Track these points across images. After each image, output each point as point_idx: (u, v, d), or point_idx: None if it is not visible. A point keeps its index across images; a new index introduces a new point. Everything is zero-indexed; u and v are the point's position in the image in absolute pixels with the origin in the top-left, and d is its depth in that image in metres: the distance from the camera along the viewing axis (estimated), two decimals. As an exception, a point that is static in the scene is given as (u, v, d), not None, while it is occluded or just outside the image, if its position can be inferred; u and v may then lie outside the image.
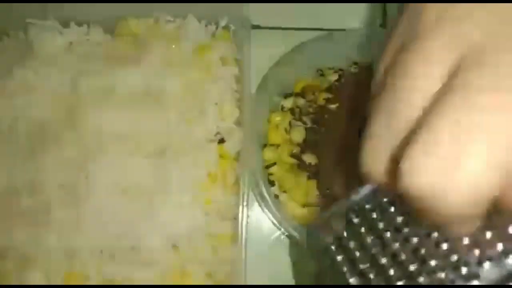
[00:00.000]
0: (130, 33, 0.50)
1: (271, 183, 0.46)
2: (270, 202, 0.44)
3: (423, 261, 0.27)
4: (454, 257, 0.26)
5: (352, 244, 0.29)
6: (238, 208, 0.43)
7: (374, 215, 0.29)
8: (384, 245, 0.28)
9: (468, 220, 0.23)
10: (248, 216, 0.43)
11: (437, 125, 0.20)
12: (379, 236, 0.28)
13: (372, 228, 0.29)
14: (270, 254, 0.49)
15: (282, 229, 0.45)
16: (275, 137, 0.47)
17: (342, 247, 0.30)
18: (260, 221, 0.48)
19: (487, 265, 0.26)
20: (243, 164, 0.44)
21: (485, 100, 0.19)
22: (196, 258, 0.43)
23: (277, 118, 0.49)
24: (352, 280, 0.29)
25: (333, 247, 0.30)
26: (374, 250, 0.28)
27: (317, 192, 0.45)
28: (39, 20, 0.50)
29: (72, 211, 0.43)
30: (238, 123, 0.46)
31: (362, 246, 0.29)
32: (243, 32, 0.47)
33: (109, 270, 0.43)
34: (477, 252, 0.26)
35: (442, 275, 0.26)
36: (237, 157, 0.46)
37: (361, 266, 0.29)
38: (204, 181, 0.44)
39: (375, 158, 0.23)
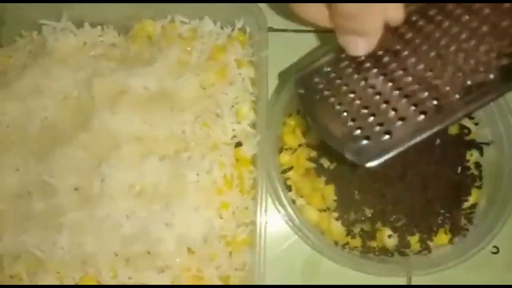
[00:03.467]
0: (145, 34, 0.50)
1: (288, 188, 0.45)
2: (288, 207, 0.43)
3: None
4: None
5: (337, 82, 0.38)
6: (254, 212, 0.43)
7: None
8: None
9: None
10: (266, 222, 0.42)
11: None
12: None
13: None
14: (287, 259, 0.48)
15: (299, 234, 0.44)
16: (292, 140, 0.47)
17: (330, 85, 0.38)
18: (277, 225, 0.47)
19: None
20: (260, 168, 0.44)
21: None
22: (212, 262, 0.43)
23: (292, 122, 0.48)
24: (337, 106, 0.36)
25: (321, 85, 0.38)
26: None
27: (334, 197, 0.45)
28: (53, 21, 0.49)
29: (86, 214, 0.42)
30: (254, 126, 0.46)
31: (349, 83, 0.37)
32: (260, 34, 0.47)
33: (124, 274, 0.42)
34: None
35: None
36: (254, 160, 0.45)
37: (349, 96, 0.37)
38: (220, 185, 0.44)
39: None
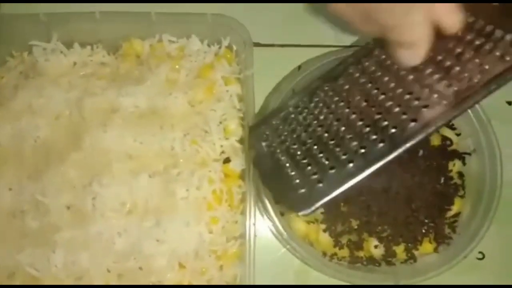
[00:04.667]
0: (134, 53, 0.51)
1: (277, 201, 0.46)
2: (276, 221, 0.44)
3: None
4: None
5: (284, 134, 0.41)
6: (243, 226, 0.44)
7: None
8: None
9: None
10: (255, 235, 0.43)
11: None
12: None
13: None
14: (276, 270, 0.49)
15: (288, 247, 0.45)
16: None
17: (277, 136, 0.42)
18: (266, 238, 0.48)
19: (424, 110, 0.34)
20: (248, 182, 0.45)
21: None
22: (203, 276, 0.44)
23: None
24: (282, 157, 0.40)
25: (269, 137, 0.42)
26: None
27: (321, 209, 0.46)
28: (43, 42, 0.50)
29: (79, 232, 0.43)
30: (242, 141, 0.47)
31: (293, 134, 0.41)
32: (245, 51, 0.48)
33: (116, 290, 0.43)
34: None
35: (385, 123, 0.36)
36: (242, 175, 0.46)
37: (292, 147, 0.40)
38: (209, 200, 0.45)
39: None
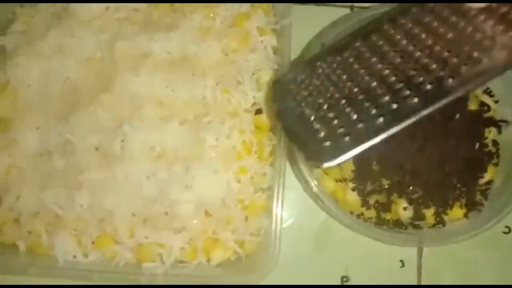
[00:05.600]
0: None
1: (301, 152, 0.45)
2: (305, 174, 0.44)
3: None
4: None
5: (311, 88, 0.40)
6: (272, 179, 0.43)
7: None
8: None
9: None
10: (283, 188, 0.42)
11: None
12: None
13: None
14: (301, 225, 0.50)
15: (318, 201, 0.44)
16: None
17: (304, 90, 0.40)
18: (294, 192, 0.48)
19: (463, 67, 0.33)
20: (279, 136, 0.44)
21: None
22: (228, 225, 0.43)
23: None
24: (308, 111, 0.38)
25: (294, 91, 0.40)
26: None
27: (352, 167, 0.45)
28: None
29: (106, 173, 0.43)
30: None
31: (321, 88, 0.39)
32: (283, 2, 0.47)
33: (141, 234, 0.43)
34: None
35: (420, 79, 0.34)
36: (274, 128, 0.45)
37: (320, 101, 0.38)
38: (239, 150, 0.44)
39: None
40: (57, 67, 0.47)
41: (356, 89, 0.37)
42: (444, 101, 0.33)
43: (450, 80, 0.33)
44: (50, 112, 0.46)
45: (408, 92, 0.34)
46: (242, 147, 0.44)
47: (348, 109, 0.36)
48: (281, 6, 0.47)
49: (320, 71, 0.40)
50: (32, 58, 0.47)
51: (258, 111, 0.45)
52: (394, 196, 0.45)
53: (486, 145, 0.47)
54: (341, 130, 0.35)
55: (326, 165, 0.34)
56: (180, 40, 0.47)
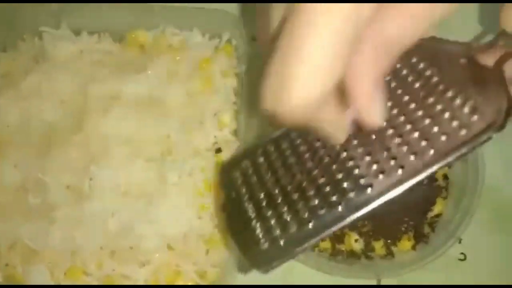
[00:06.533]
0: (138, 43, 0.53)
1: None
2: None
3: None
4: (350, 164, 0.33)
5: (254, 179, 0.38)
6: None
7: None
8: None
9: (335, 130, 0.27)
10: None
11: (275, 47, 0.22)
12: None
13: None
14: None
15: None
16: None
17: (246, 182, 0.38)
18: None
19: (380, 176, 0.31)
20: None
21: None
22: (189, 258, 0.46)
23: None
24: (248, 206, 0.36)
25: (239, 181, 0.38)
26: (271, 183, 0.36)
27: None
28: (52, 29, 0.53)
29: (76, 210, 0.46)
30: (235, 133, 0.49)
31: (262, 180, 0.37)
32: (243, 46, 0.50)
33: (108, 266, 0.46)
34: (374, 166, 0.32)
35: (345, 184, 0.32)
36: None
37: (259, 195, 0.36)
38: (200, 188, 0.47)
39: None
40: (35, 109, 0.50)
41: (289, 187, 0.35)
42: (368, 209, 0.31)
43: (369, 190, 0.31)
44: (27, 151, 0.49)
45: (334, 198, 0.32)
46: (203, 184, 0.47)
47: (283, 209, 0.35)
48: (241, 49, 0.51)
49: (261, 160, 0.39)
50: (12, 100, 0.51)
51: (218, 150, 0.48)
52: (346, 229, 0.48)
53: (436, 180, 0.50)
54: (277, 232, 0.34)
55: (260, 272, 0.33)
56: (148, 82, 0.50)
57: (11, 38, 0.54)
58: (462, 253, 0.53)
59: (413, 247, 0.48)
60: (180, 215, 0.46)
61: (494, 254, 0.53)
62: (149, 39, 0.53)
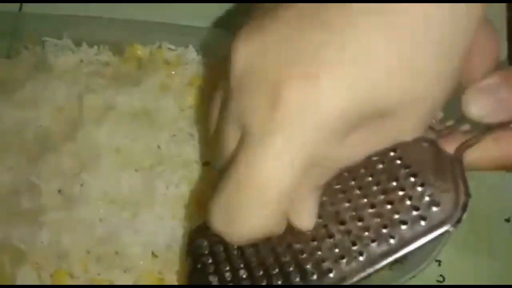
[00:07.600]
0: (135, 56, 0.55)
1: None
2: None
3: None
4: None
5: (220, 249, 0.35)
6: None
7: None
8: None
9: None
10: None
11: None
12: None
13: None
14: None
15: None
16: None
17: (213, 252, 0.35)
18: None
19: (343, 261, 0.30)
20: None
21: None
22: (173, 267, 0.48)
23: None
24: (214, 280, 0.34)
25: (206, 252, 0.36)
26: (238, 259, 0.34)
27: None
28: (54, 39, 0.55)
29: (65, 215, 0.48)
30: (223, 148, 0.51)
31: (228, 252, 0.34)
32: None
33: (93, 270, 0.47)
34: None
35: (308, 266, 0.30)
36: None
37: (224, 269, 0.34)
38: (186, 198, 0.49)
39: None
40: (31, 116, 0.52)
41: (254, 264, 0.33)
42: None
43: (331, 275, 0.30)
44: (22, 155, 0.51)
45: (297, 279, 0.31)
46: (189, 195, 0.49)
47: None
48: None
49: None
50: (9, 106, 0.53)
51: (206, 163, 0.50)
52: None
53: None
54: None
55: None
56: (142, 95, 0.52)
57: (16, 46, 0.56)
58: (441, 275, 0.54)
59: (389, 267, 0.49)
60: (165, 224, 0.48)
61: (474, 276, 0.54)
62: (145, 53, 0.55)
